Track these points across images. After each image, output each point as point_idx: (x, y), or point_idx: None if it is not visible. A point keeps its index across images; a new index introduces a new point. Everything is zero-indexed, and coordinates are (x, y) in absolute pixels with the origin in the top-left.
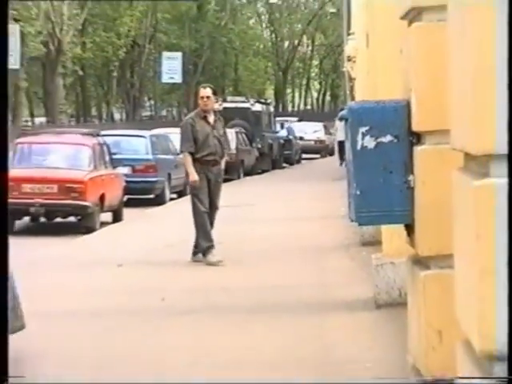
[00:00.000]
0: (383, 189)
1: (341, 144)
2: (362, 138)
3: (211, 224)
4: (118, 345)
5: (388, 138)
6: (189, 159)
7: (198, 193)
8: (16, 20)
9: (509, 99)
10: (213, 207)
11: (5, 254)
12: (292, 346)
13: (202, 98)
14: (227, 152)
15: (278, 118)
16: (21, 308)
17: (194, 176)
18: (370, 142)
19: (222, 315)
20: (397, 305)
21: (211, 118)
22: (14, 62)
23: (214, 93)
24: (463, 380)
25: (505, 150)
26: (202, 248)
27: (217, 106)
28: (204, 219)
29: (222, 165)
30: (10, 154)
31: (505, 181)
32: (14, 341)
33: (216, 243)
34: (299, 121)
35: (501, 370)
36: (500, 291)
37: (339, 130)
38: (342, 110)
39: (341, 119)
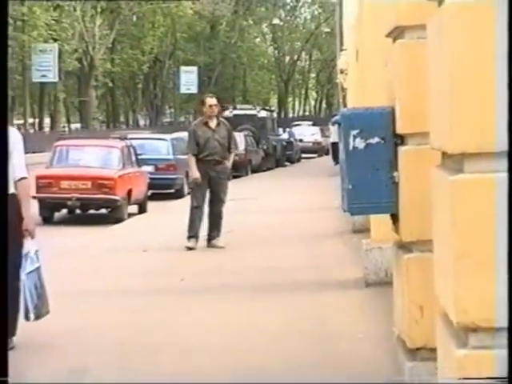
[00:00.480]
0: (372, 183)
1: (334, 145)
2: (353, 140)
3: (213, 215)
4: (144, 318)
5: (376, 140)
6: (192, 159)
7: (194, 189)
8: (54, 40)
9: (483, 104)
10: (216, 200)
11: (5, 253)
12: (291, 321)
13: (211, 106)
14: (234, 151)
15: (295, 122)
16: (46, 295)
17: (195, 173)
18: (360, 143)
19: (231, 293)
20: (384, 284)
21: (213, 123)
22: (53, 76)
23: (218, 100)
24: (464, 380)
25: (476, 149)
26: (188, 235)
27: (227, 113)
28: (193, 213)
29: (229, 163)
30: (50, 154)
31: (477, 176)
32: (56, 317)
33: (226, 232)
34: (313, 124)
35: (475, 339)
36: (473, 271)
37: (333, 133)
38: (334, 116)
39: (334, 123)
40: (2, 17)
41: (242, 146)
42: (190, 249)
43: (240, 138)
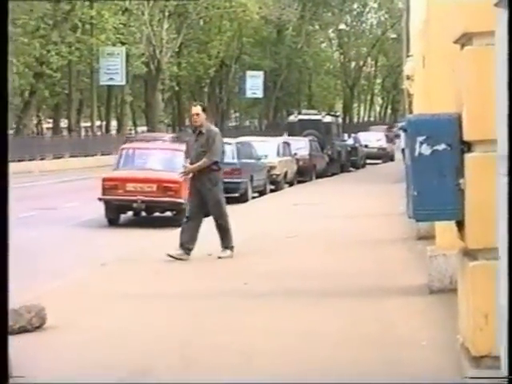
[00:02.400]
0: (437, 190)
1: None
2: (420, 146)
3: (215, 226)
4: (207, 321)
5: (442, 146)
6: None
7: (188, 200)
8: (122, 43)
9: None
10: (211, 212)
11: (5, 253)
12: (354, 326)
13: (192, 115)
14: (208, 159)
15: (373, 127)
16: None
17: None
18: (426, 150)
19: (294, 298)
20: (448, 291)
21: (198, 131)
22: (120, 79)
23: (204, 109)
24: (465, 380)
25: None
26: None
27: (292, 118)
28: (183, 223)
29: (196, 166)
30: (117, 157)
31: None
32: (120, 318)
33: (289, 237)
34: (389, 128)
35: None
36: None
37: (402, 139)
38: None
39: (400, 130)
40: (2, 17)
41: (306, 151)
42: (169, 256)
43: (305, 142)
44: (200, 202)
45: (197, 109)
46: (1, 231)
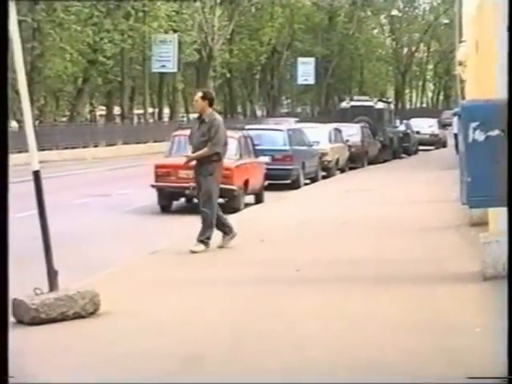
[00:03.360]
0: (491, 176)
1: (456, 136)
2: (473, 132)
3: (202, 217)
4: (259, 307)
5: (496, 132)
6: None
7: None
8: (174, 30)
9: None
10: (201, 205)
11: (5, 254)
12: (407, 313)
13: (195, 101)
14: (210, 148)
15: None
16: None
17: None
18: (479, 136)
19: (347, 284)
20: (502, 278)
21: (200, 119)
22: (172, 66)
23: (204, 97)
24: (465, 380)
25: None
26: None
27: (344, 104)
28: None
29: (197, 155)
30: (169, 144)
31: None
32: (172, 304)
33: (340, 223)
34: (454, 114)
35: None
36: None
37: (455, 124)
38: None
39: (454, 115)
40: (2, 17)
41: (358, 138)
42: (192, 252)
43: (357, 129)
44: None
45: (197, 95)
46: (1, 231)
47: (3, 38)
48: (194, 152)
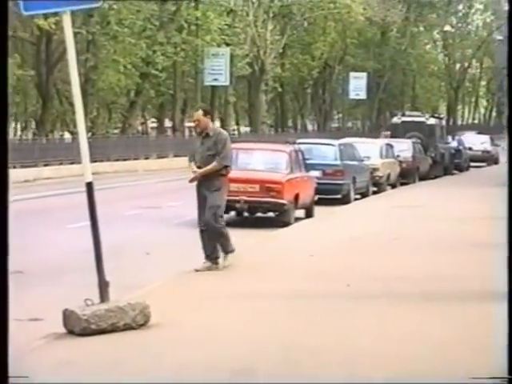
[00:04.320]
0: None
1: None
2: None
3: (207, 231)
4: (309, 322)
5: None
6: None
7: (197, 207)
8: (227, 44)
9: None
10: (207, 219)
11: (5, 254)
12: (457, 330)
13: (194, 121)
14: (218, 162)
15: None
16: None
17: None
18: None
19: (396, 300)
20: None
21: (204, 134)
22: (224, 79)
23: (205, 113)
24: (465, 380)
25: None
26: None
27: (395, 120)
28: (201, 233)
29: (206, 170)
30: None
31: None
32: (224, 317)
33: (392, 239)
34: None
35: None
36: None
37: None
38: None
39: None
40: (2, 17)
41: (409, 153)
42: (196, 270)
43: (408, 144)
44: (203, 207)
45: (197, 114)
46: (1, 233)
47: (3, 38)
48: (199, 168)
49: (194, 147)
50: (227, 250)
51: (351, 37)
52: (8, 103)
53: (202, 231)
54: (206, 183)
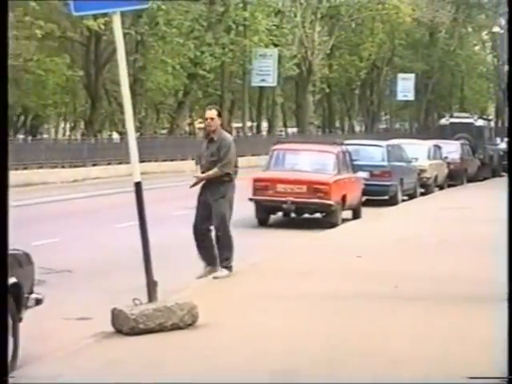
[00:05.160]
0: None
1: None
2: None
3: (218, 239)
4: (355, 324)
5: None
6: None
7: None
8: (275, 45)
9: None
10: (214, 224)
11: (5, 254)
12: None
13: (206, 119)
14: (219, 169)
15: None
16: None
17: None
18: None
19: (445, 303)
20: None
21: (209, 138)
22: (272, 80)
23: (219, 114)
24: (465, 380)
25: None
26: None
27: (443, 121)
28: (195, 234)
29: (206, 175)
30: (267, 158)
31: None
32: (267, 317)
33: (439, 241)
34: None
35: None
36: None
37: None
38: None
39: None
40: (2, 17)
41: (457, 155)
42: (214, 278)
43: (456, 146)
44: (206, 214)
45: (212, 112)
46: (1, 233)
47: (3, 38)
48: (203, 173)
49: (200, 150)
50: (226, 265)
51: (399, 38)
52: (8, 104)
53: (194, 229)
54: (209, 189)
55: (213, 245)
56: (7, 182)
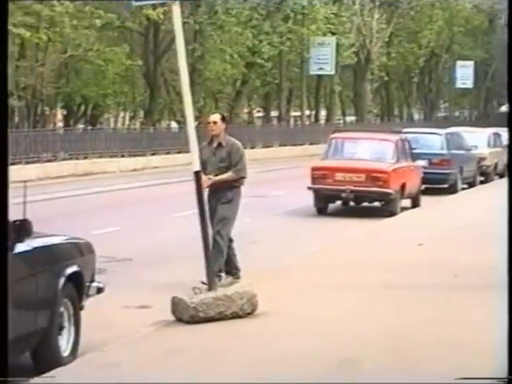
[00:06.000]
0: None
1: None
2: None
3: (214, 245)
4: (415, 313)
5: None
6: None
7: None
8: (333, 33)
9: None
10: (213, 231)
11: (5, 255)
12: None
13: (209, 123)
14: (234, 173)
15: None
16: None
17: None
18: None
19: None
20: None
21: (215, 143)
22: (330, 69)
23: (223, 119)
24: (465, 380)
25: None
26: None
27: (503, 109)
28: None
29: (221, 179)
30: (326, 147)
31: None
32: (324, 306)
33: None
34: None
35: None
36: None
37: None
38: None
39: None
40: (2, 17)
41: None
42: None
43: None
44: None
45: (215, 116)
46: (0, 231)
47: (3, 38)
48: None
49: (204, 156)
50: (218, 270)
51: (458, 25)
52: (8, 100)
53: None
54: (217, 194)
55: (234, 253)
56: (7, 180)
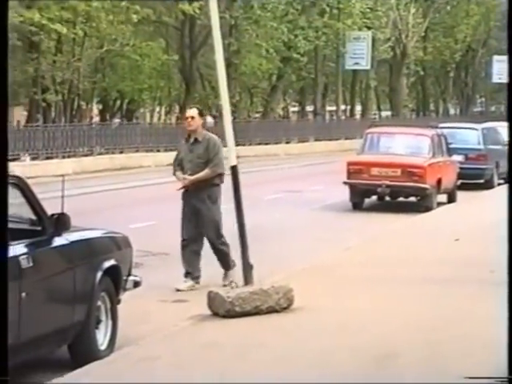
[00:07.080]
0: None
1: None
2: None
3: (217, 251)
4: (449, 308)
5: None
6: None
7: (182, 219)
8: (368, 28)
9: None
10: (205, 233)
11: (4, 255)
12: None
13: (187, 118)
14: (212, 170)
15: None
16: None
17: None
18: None
19: None
20: None
21: (191, 140)
22: (365, 63)
23: (201, 114)
24: (464, 380)
25: None
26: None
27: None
28: (182, 247)
29: (197, 177)
30: (361, 141)
31: None
32: (361, 300)
33: None
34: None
35: None
36: None
37: None
38: None
39: None
40: (2, 17)
41: None
42: (177, 290)
43: None
44: (197, 221)
45: (192, 111)
46: (0, 229)
47: (3, 38)
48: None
49: (180, 154)
50: (228, 268)
51: (495, 19)
52: (8, 96)
53: (184, 247)
54: (197, 194)
55: (201, 257)
56: (6, 176)
